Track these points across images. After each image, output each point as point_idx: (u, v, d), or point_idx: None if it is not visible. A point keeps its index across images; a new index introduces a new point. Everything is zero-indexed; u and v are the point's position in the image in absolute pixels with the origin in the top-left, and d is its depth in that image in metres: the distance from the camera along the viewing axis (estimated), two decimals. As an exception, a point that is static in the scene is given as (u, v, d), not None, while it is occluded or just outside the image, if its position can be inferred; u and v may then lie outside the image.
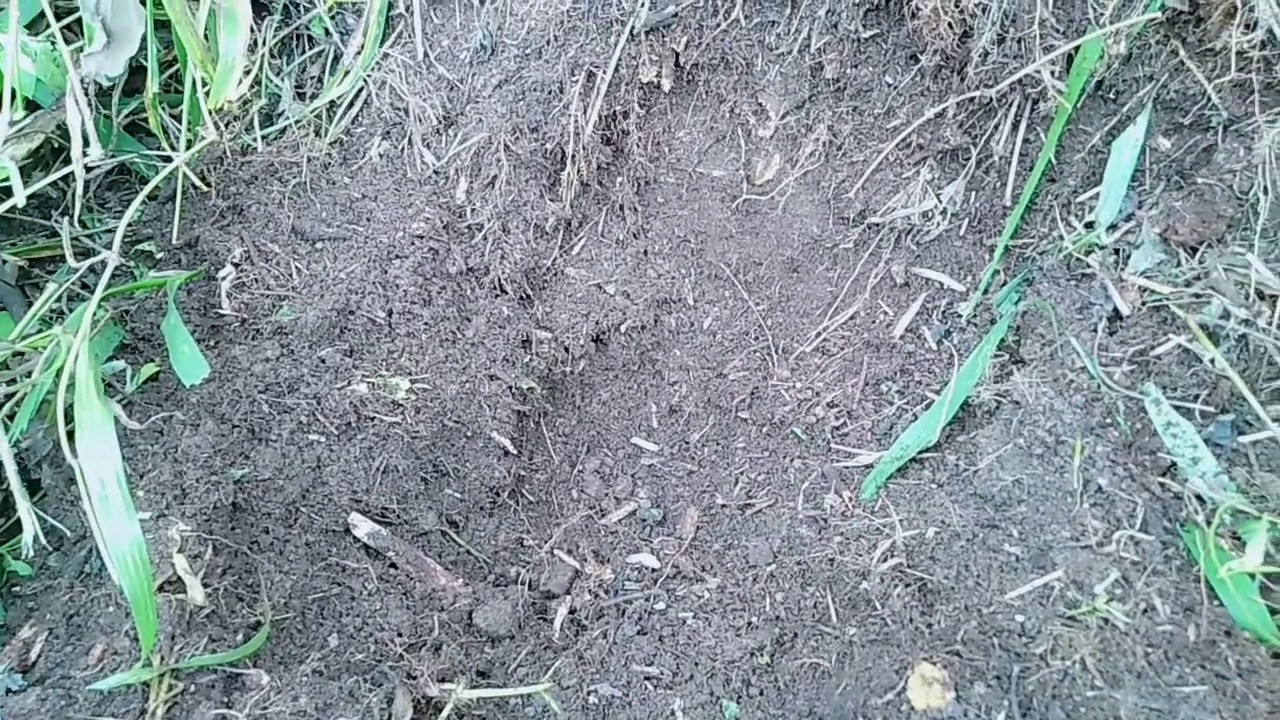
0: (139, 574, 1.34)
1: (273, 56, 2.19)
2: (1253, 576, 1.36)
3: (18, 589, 1.56)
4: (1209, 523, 1.43)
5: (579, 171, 2.10)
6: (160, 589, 1.44)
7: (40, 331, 1.69)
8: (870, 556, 1.72)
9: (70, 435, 1.44)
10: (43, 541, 1.53)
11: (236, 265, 1.95)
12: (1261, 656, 1.32)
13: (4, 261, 1.92)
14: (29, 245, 1.98)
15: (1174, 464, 1.51)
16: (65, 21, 1.90)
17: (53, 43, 1.84)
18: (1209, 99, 1.65)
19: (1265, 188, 1.55)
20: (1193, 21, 1.66)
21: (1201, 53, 1.66)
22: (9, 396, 1.59)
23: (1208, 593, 1.39)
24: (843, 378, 2.14)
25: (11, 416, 1.58)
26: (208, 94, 1.95)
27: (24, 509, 1.43)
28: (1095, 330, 1.67)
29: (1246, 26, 1.55)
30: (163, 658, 1.38)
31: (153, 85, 1.93)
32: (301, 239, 2.02)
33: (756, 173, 2.20)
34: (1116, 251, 1.73)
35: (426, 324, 2.00)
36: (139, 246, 2.01)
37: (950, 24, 1.78)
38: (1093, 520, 1.50)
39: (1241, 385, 1.49)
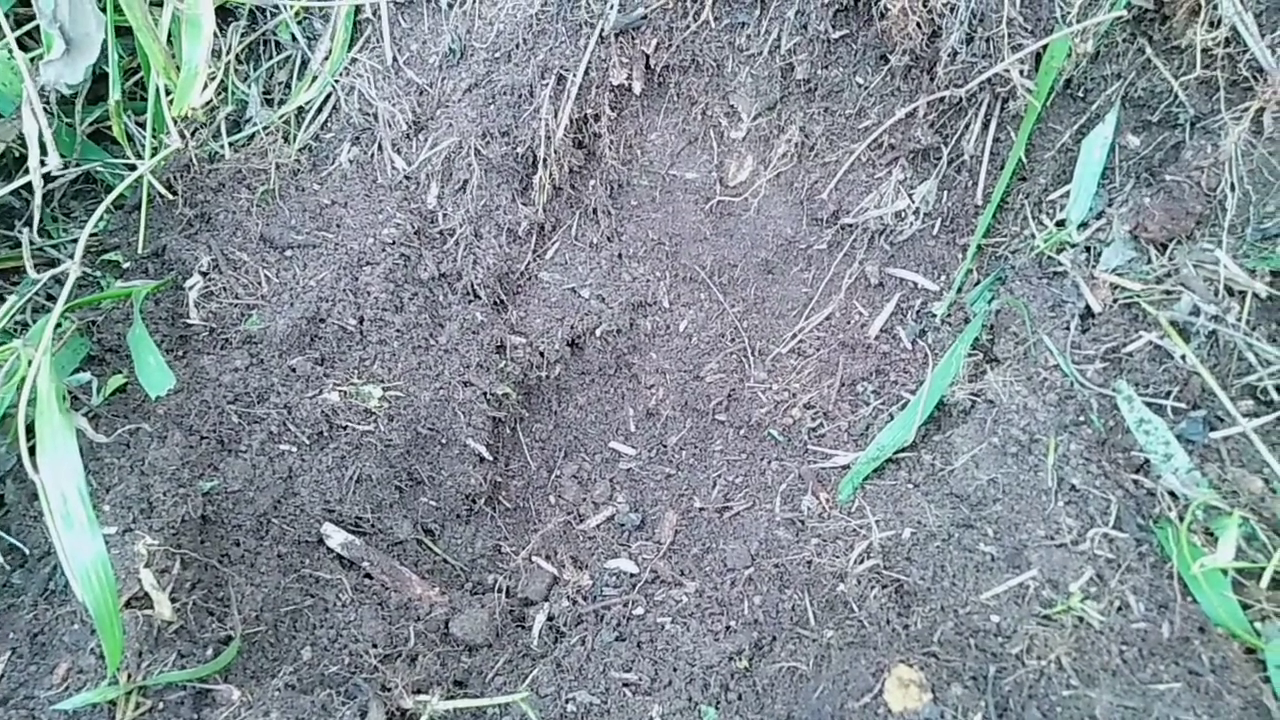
0: (103, 590, 1.32)
1: (239, 62, 2.17)
2: (1225, 572, 1.37)
3: (-20, 608, 1.53)
4: (1182, 519, 1.43)
5: (551, 175, 2.09)
6: (127, 605, 1.41)
7: (1, 344, 1.66)
8: (847, 558, 1.72)
9: (33, 450, 1.41)
10: (2, 560, 1.50)
11: (204, 274, 1.92)
12: (1235, 652, 1.33)
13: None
14: (-9, 256, 1.94)
15: (1147, 461, 1.51)
16: (23, 29, 1.87)
17: (10, 51, 1.81)
18: (1176, 96, 1.66)
19: (1232, 184, 1.56)
20: (1158, 19, 1.66)
21: (1168, 50, 1.67)
22: (-31, 411, 1.56)
23: (1181, 589, 1.39)
24: (819, 379, 2.13)
25: (-28, 432, 1.55)
26: (172, 101, 1.92)
27: (-16, 527, 1.40)
28: (1068, 328, 1.67)
29: (1210, 24, 1.56)
30: (129, 675, 1.36)
31: (115, 93, 1.90)
32: (270, 247, 2.00)
33: (729, 174, 2.19)
34: (1088, 249, 1.73)
35: (399, 331, 1.98)
36: (105, 256, 1.97)
37: (919, 24, 1.78)
38: (1067, 518, 1.50)
39: (1212, 381, 1.49)
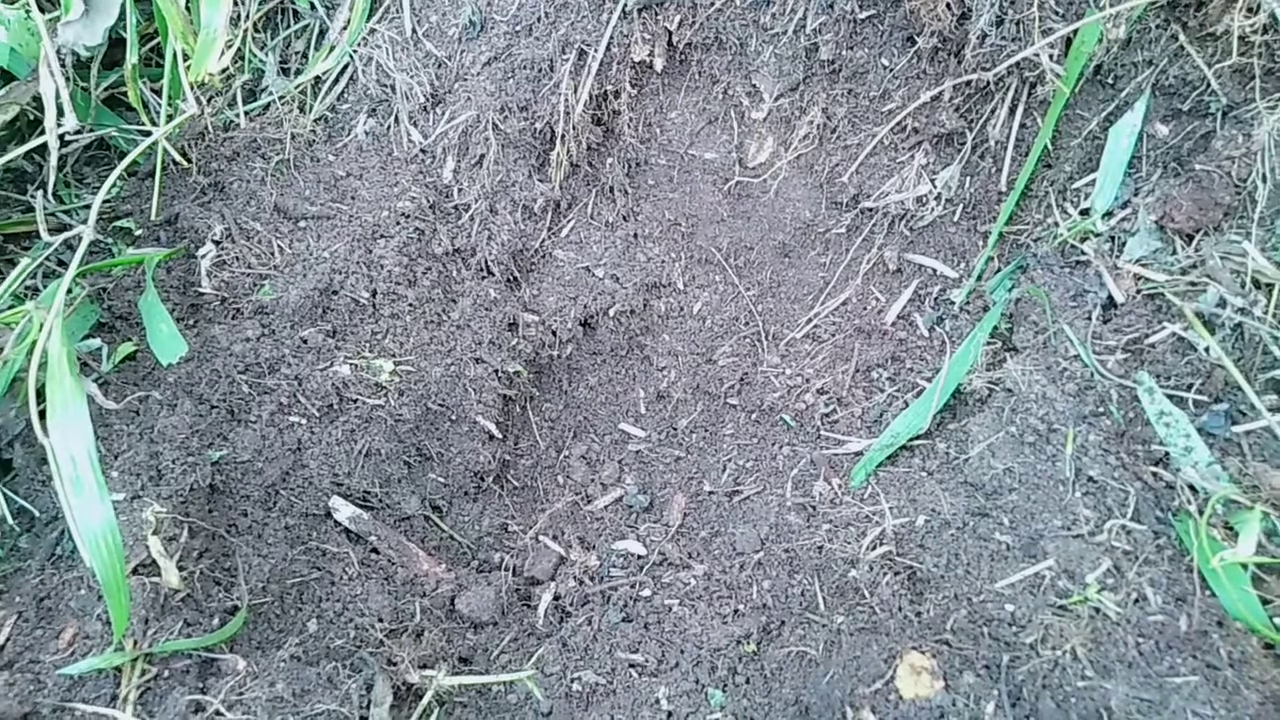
0: (111, 556, 1.31)
1: (257, 30, 2.15)
2: (1245, 567, 1.35)
3: (-13, 571, 1.53)
4: (1201, 512, 1.41)
5: (568, 152, 2.07)
6: (134, 571, 1.41)
7: (13, 307, 1.64)
8: (859, 544, 1.70)
9: (43, 414, 1.40)
10: (11, 523, 1.49)
11: (217, 243, 1.90)
12: (1253, 647, 1.31)
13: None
14: (3, 220, 1.93)
15: (1167, 453, 1.49)
16: (41, -10, 1.85)
17: (27, 11, 1.79)
18: (1208, 85, 1.63)
19: (1264, 175, 1.53)
20: (1194, 5, 1.63)
21: (1202, 37, 1.64)
22: (-20, 373, 1.55)
23: (1200, 583, 1.37)
24: (833, 364, 2.11)
25: (-18, 394, 1.54)
26: (189, 67, 1.90)
27: (-8, 488, 1.40)
28: (1089, 318, 1.65)
29: (1249, 10, 1.53)
30: (135, 642, 1.35)
31: (131, 57, 1.88)
32: (284, 217, 1.98)
33: (749, 155, 2.17)
34: (1112, 239, 1.70)
35: (411, 305, 1.96)
36: (118, 223, 1.96)
37: (948, 5, 1.75)
38: (1084, 509, 1.48)
39: (1237, 374, 1.47)
